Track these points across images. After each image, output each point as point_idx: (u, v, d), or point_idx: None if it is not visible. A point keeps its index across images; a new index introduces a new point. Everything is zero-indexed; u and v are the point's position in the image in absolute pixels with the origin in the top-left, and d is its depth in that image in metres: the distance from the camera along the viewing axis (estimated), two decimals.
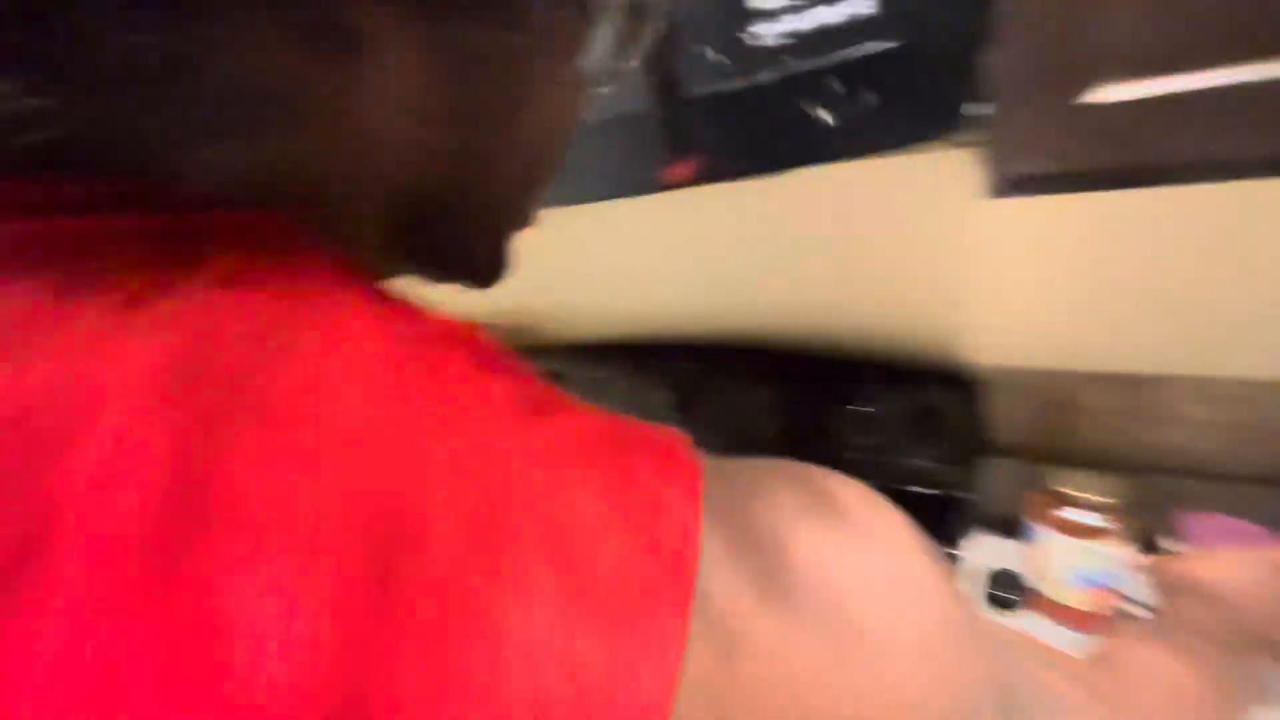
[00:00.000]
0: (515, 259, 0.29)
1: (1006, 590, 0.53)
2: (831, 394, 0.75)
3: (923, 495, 0.71)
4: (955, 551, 0.71)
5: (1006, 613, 0.53)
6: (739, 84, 0.34)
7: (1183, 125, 0.30)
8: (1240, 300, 0.61)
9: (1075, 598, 0.59)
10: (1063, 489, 0.59)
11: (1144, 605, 0.60)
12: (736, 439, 0.81)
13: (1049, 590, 0.60)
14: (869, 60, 0.31)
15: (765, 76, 0.34)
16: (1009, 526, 0.72)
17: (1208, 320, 0.63)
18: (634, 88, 0.37)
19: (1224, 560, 0.38)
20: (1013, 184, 0.35)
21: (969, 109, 0.35)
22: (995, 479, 0.72)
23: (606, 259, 0.97)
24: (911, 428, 0.70)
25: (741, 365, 0.82)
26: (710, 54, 0.35)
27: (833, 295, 0.80)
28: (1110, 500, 0.57)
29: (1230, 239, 0.59)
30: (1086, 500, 0.57)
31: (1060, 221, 0.66)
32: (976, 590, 0.68)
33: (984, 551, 0.71)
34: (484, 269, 0.28)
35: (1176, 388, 0.65)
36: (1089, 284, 0.67)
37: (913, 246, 0.73)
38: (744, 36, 0.34)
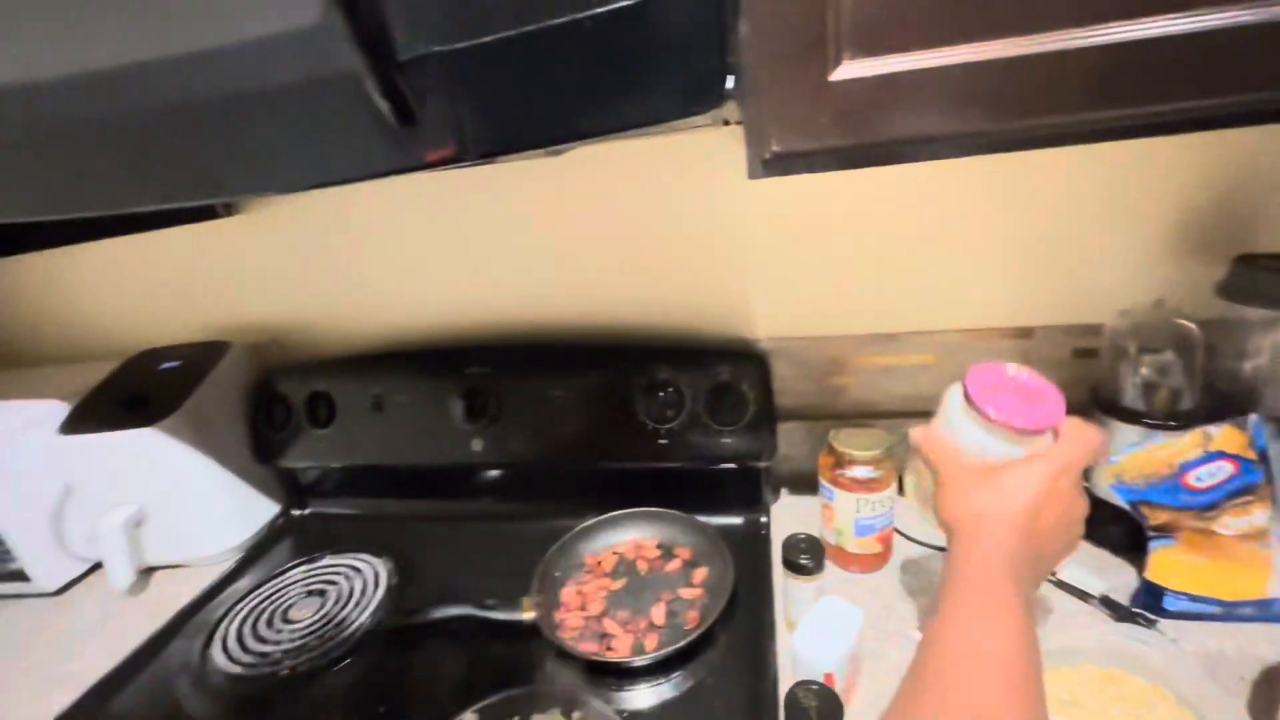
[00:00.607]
0: None
1: (803, 555, 0.56)
2: (632, 381, 0.73)
3: (730, 470, 0.73)
4: (765, 519, 0.74)
5: (803, 578, 0.56)
6: (464, 43, 0.28)
7: (919, 103, 0.31)
8: (956, 262, 0.71)
9: (863, 544, 0.65)
10: (839, 448, 0.63)
11: (912, 537, 0.69)
12: (543, 438, 0.76)
13: (843, 541, 0.65)
14: (613, 19, 0.27)
15: (499, 33, 0.28)
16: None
17: (933, 282, 0.72)
18: (328, 40, 0.29)
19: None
20: (766, 164, 0.34)
21: (725, 84, 0.33)
22: (792, 443, 0.76)
23: (359, 257, 0.84)
24: (711, 404, 0.71)
25: (535, 362, 0.77)
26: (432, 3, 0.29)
27: (617, 279, 0.78)
28: (876, 451, 0.63)
29: (947, 208, 0.68)
30: (858, 456, 0.63)
31: (818, 196, 0.71)
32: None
33: (791, 515, 0.75)
34: None
35: (914, 341, 0.74)
36: (845, 254, 0.73)
37: (692, 226, 0.74)
38: None
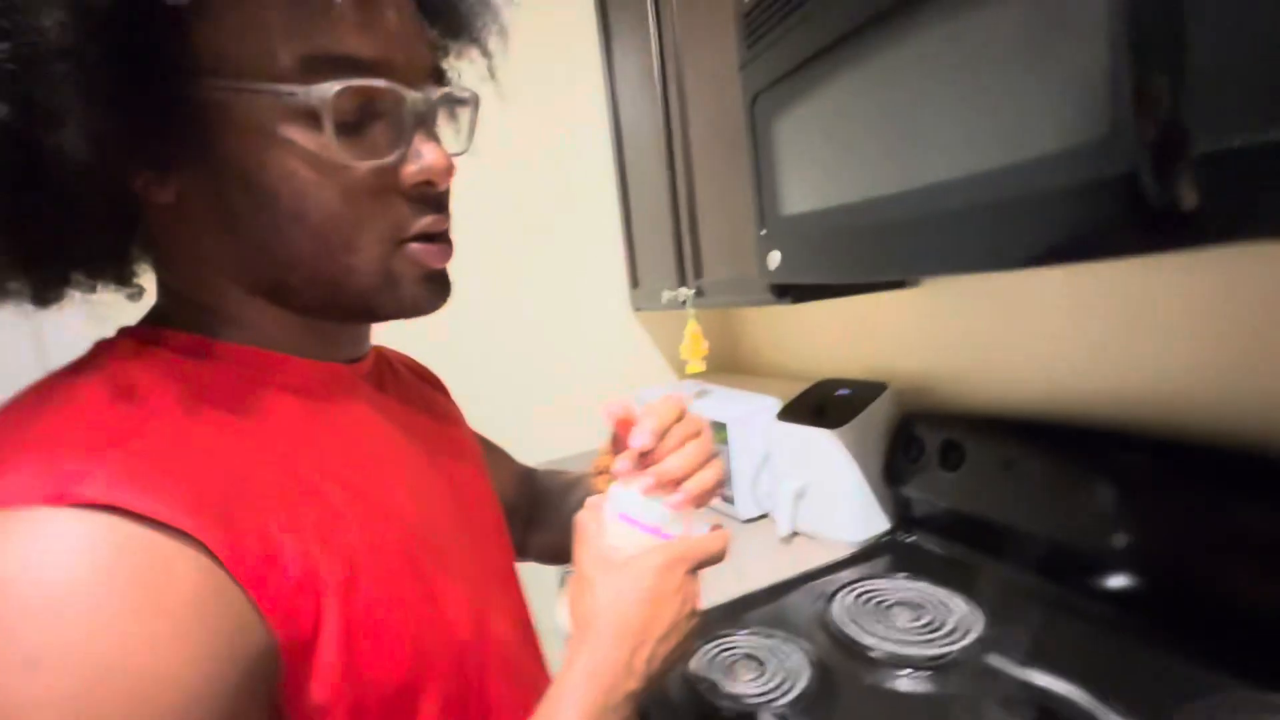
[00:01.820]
0: None
1: None
2: None
3: None
4: None
5: None
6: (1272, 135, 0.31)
7: None
8: None
9: None
10: None
11: None
12: (1210, 564, 0.63)
13: None
14: None
15: None
16: None
17: None
18: (1107, 138, 0.37)
19: None
20: None
21: None
22: None
23: (1009, 327, 0.89)
24: None
25: (1194, 465, 0.64)
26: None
27: None
28: None
29: None
30: None
31: None
32: None
33: None
34: None
35: None
36: None
37: None
38: None
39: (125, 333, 0.38)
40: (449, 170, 0.38)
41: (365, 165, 0.35)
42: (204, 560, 0.28)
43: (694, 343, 1.19)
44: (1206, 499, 0.65)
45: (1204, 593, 0.65)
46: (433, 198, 0.39)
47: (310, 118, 0.33)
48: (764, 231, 0.87)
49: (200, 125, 0.33)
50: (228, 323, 0.38)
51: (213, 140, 0.33)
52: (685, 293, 1.20)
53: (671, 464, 0.45)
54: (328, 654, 0.32)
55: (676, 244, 1.25)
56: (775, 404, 1.17)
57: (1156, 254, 0.38)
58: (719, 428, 1.18)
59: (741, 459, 1.16)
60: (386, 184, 0.36)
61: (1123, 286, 0.78)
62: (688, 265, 1.22)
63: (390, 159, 0.36)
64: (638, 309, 1.54)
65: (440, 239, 0.40)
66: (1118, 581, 0.75)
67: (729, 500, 1.19)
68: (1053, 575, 0.81)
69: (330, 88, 0.32)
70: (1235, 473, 0.64)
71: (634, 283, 1.52)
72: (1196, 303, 0.70)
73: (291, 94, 0.32)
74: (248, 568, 0.29)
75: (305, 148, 0.33)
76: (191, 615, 0.27)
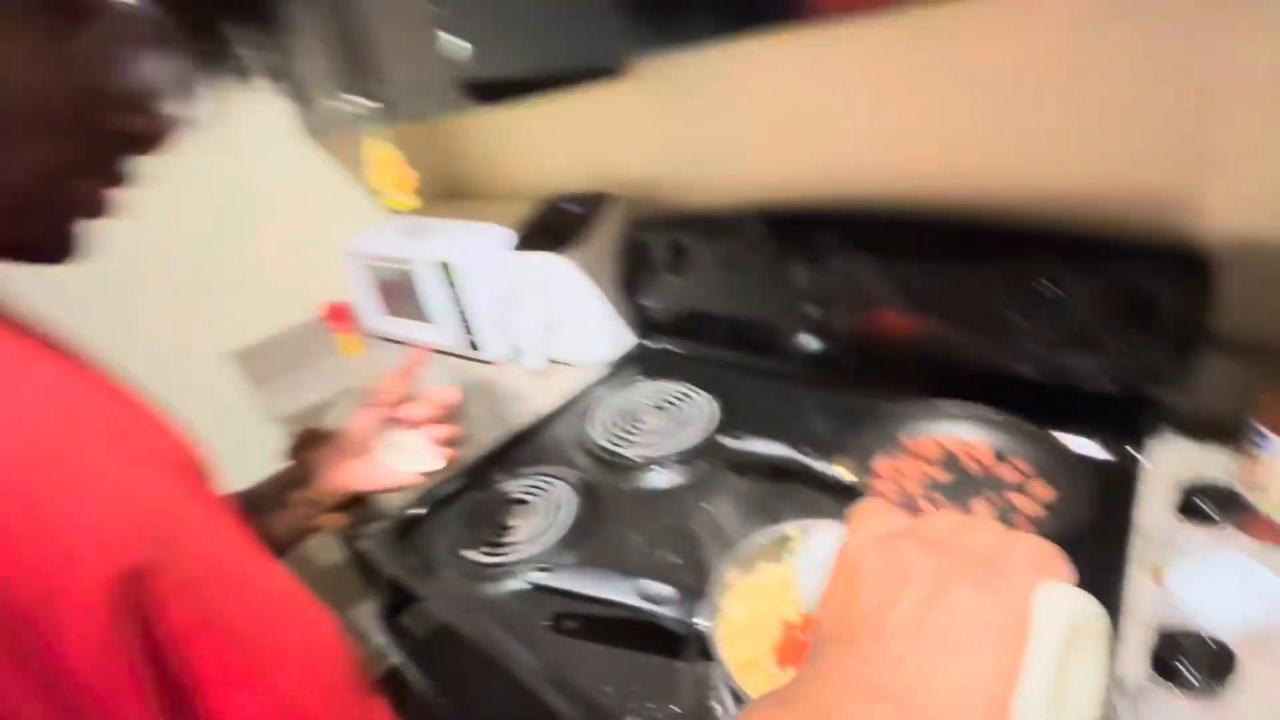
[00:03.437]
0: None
1: (1208, 501, 0.46)
2: (1009, 272, 0.65)
3: (1110, 393, 0.62)
4: (1140, 457, 0.63)
5: (1204, 526, 0.46)
6: None
7: None
8: None
9: None
10: None
11: None
12: (892, 310, 0.74)
13: (1265, 504, 0.51)
14: None
15: None
16: (1218, 432, 0.61)
17: None
18: None
19: None
20: None
21: None
22: (1210, 377, 0.60)
23: (738, 112, 0.88)
24: (1111, 315, 0.60)
25: (896, 237, 0.74)
26: None
27: (1015, 142, 0.67)
28: None
29: None
30: None
31: None
32: (1165, 503, 0.60)
33: (1181, 459, 0.62)
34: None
35: None
36: None
37: (1135, 71, 0.58)
38: None
39: None
40: None
41: None
42: None
43: (388, 171, 0.97)
44: (881, 260, 0.74)
45: (882, 342, 0.77)
46: None
47: None
48: (444, 10, 0.68)
49: None
50: None
51: None
52: (363, 105, 0.95)
53: None
54: None
55: (342, 41, 0.95)
56: (503, 234, 1.05)
57: None
58: (446, 270, 1.04)
59: (478, 299, 1.05)
60: None
61: (827, 74, 0.78)
62: (361, 68, 0.95)
63: None
64: (315, 134, 1.22)
65: None
66: (816, 344, 0.87)
67: (476, 348, 1.10)
68: (768, 352, 0.91)
69: None
70: (922, 239, 0.73)
71: (301, 101, 1.17)
72: (906, 80, 0.74)
73: None
74: None
75: None
76: None
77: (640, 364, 1.02)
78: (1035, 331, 0.64)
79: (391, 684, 0.39)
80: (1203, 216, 0.60)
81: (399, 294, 1.17)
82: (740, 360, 0.94)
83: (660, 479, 0.75)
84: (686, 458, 0.76)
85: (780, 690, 0.27)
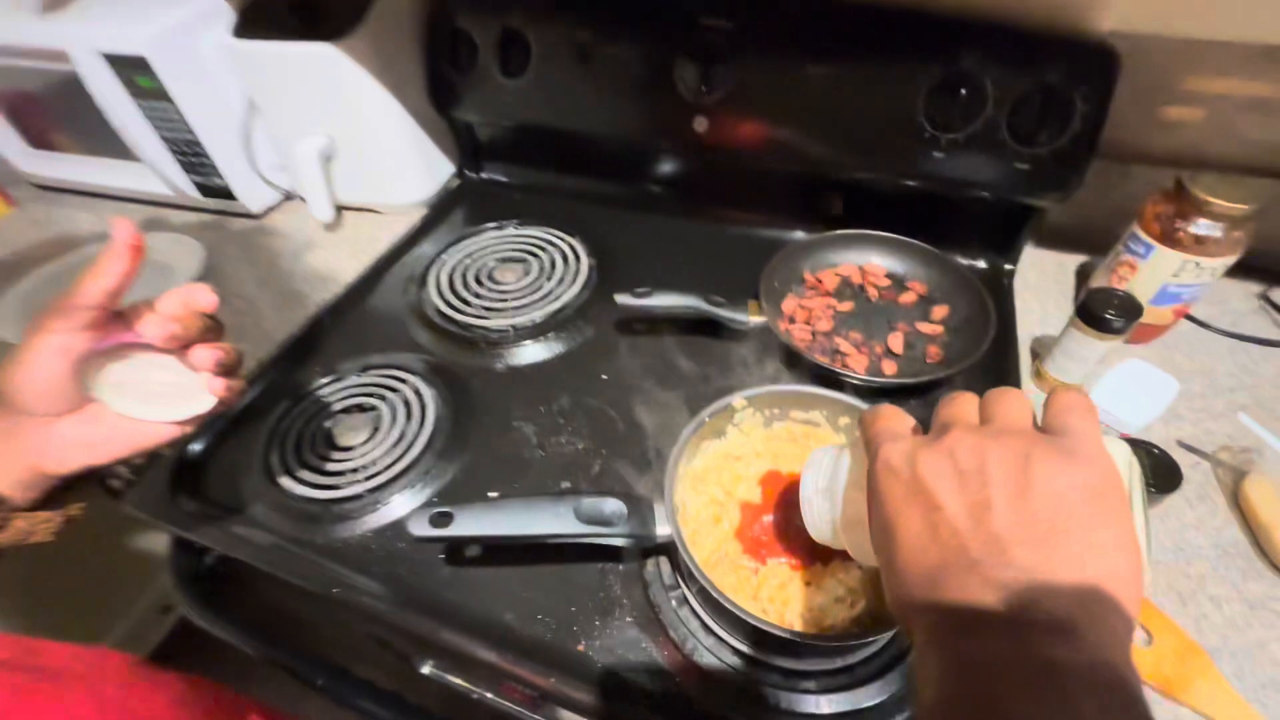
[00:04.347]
0: None
1: (1110, 311, 0.47)
2: (920, 68, 0.57)
3: (1005, 203, 0.61)
4: (1011, 267, 0.65)
5: (1098, 336, 0.48)
6: None
7: None
8: None
9: (1153, 314, 0.55)
10: (1200, 194, 0.49)
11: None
12: (785, 127, 0.63)
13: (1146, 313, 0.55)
14: None
15: None
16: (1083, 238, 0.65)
17: None
18: None
19: None
20: None
21: None
22: (1089, 182, 0.62)
23: None
24: (1019, 113, 0.56)
25: (795, 24, 0.60)
26: None
27: None
28: (1246, 207, 0.49)
29: None
30: (1221, 208, 0.49)
31: None
32: (1044, 312, 0.64)
33: (1039, 269, 0.65)
34: None
35: None
36: None
37: None
38: None
39: None
40: None
41: None
42: None
43: None
44: (784, 57, 0.61)
45: (786, 151, 0.67)
46: None
47: None
48: None
49: None
50: None
51: None
52: None
53: None
54: None
55: None
56: (225, 8, 0.68)
57: None
58: (140, 66, 0.66)
59: (201, 115, 0.70)
60: None
61: None
62: None
63: None
64: None
65: None
66: (691, 165, 0.74)
67: (226, 195, 0.76)
68: (633, 178, 0.76)
69: None
70: (813, 24, 0.60)
71: None
72: None
73: None
74: None
75: None
76: None
77: (469, 203, 0.80)
78: (937, 135, 0.59)
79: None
80: (1104, 10, 0.56)
81: (57, 111, 0.75)
82: (593, 190, 0.77)
83: (536, 351, 0.61)
84: (560, 322, 0.62)
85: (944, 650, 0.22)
